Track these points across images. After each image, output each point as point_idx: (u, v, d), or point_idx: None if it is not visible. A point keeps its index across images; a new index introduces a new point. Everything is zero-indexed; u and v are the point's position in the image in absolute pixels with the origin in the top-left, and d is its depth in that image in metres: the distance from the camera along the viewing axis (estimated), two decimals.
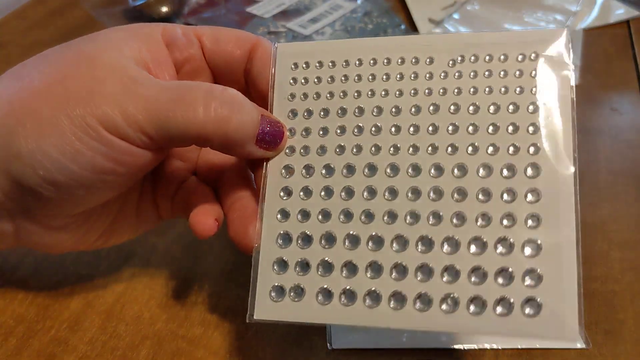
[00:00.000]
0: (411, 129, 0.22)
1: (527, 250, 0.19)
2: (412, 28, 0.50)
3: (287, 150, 0.22)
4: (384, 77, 0.23)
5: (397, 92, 0.22)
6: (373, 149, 0.22)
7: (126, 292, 0.28)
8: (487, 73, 0.22)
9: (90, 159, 0.20)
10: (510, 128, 0.21)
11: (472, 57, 0.22)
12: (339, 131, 0.22)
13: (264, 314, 0.20)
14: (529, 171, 0.20)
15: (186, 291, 0.28)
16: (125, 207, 0.26)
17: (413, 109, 0.22)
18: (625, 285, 0.28)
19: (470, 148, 0.21)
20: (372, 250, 0.20)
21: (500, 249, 0.19)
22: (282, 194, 0.22)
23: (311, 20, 0.51)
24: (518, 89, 0.21)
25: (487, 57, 0.22)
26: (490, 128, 0.21)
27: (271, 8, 0.53)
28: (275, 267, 0.21)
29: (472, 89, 0.22)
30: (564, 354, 0.25)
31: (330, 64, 0.23)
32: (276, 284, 0.21)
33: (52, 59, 0.22)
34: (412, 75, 0.22)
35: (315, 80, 0.23)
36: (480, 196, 0.20)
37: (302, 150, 0.22)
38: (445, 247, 0.20)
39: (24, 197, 0.21)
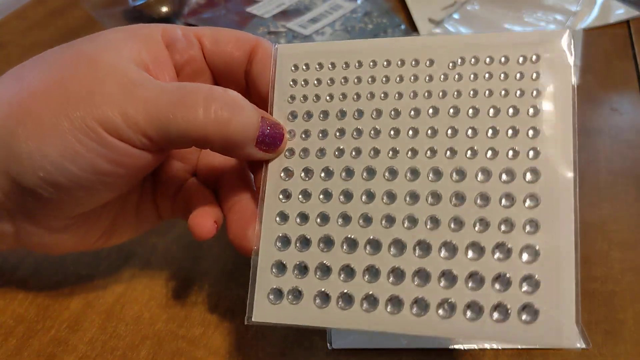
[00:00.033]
0: (410, 132, 0.22)
1: (525, 256, 0.19)
2: (412, 28, 0.50)
3: (286, 153, 0.22)
4: (384, 79, 0.22)
5: (397, 95, 0.22)
6: (372, 152, 0.22)
7: (126, 292, 0.28)
8: (487, 75, 0.22)
9: (90, 160, 0.20)
10: (510, 132, 0.21)
11: (473, 59, 0.22)
12: (338, 134, 0.22)
13: (262, 317, 0.20)
14: (528, 176, 0.20)
15: (186, 291, 0.28)
16: (125, 208, 0.26)
17: (412, 112, 0.22)
18: (625, 285, 0.28)
19: (469, 152, 0.21)
20: (370, 254, 0.20)
21: (498, 254, 0.19)
22: (281, 196, 0.22)
23: (311, 20, 0.51)
24: (518, 92, 0.21)
25: (488, 59, 0.22)
26: (490, 132, 0.21)
27: (271, 8, 0.53)
28: (273, 270, 0.21)
29: (471, 92, 0.21)
30: (564, 354, 0.25)
31: (330, 65, 0.23)
32: (274, 287, 0.21)
33: (52, 60, 0.22)
34: (412, 78, 0.22)
35: (315, 82, 0.23)
36: (479, 201, 0.20)
37: (301, 153, 0.22)
38: (443, 252, 0.20)
39: (24, 198, 0.21)
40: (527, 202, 0.19)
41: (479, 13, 0.52)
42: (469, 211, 0.20)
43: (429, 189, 0.21)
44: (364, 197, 0.21)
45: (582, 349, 0.25)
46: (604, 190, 0.34)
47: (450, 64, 0.22)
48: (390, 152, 0.21)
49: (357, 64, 0.23)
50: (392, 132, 0.22)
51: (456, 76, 0.22)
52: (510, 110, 0.21)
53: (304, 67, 0.23)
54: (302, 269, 0.21)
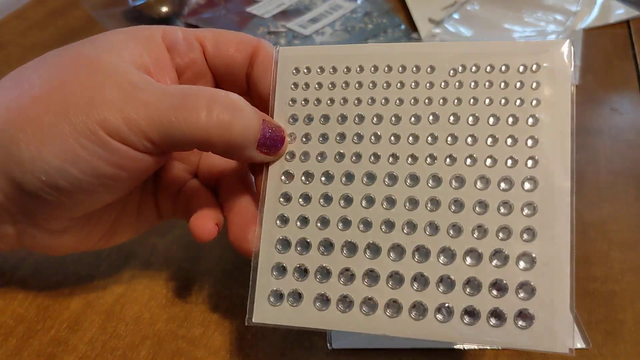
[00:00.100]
0: (410, 138, 0.22)
1: (522, 264, 0.19)
2: (412, 28, 0.50)
3: (287, 156, 0.23)
4: (385, 84, 0.23)
5: (397, 101, 0.22)
6: (372, 157, 0.22)
7: (126, 292, 0.28)
8: (487, 84, 0.22)
9: (92, 164, 0.20)
10: (509, 140, 0.21)
11: (473, 67, 0.22)
12: (338, 138, 0.22)
13: (262, 318, 0.21)
14: (526, 185, 0.20)
15: (186, 291, 0.28)
16: (126, 209, 0.26)
17: (413, 118, 0.22)
18: (625, 285, 0.28)
19: (468, 160, 0.21)
20: (370, 259, 0.21)
21: (495, 261, 0.20)
22: (281, 199, 0.22)
23: (311, 21, 0.51)
24: (518, 101, 0.21)
25: (489, 68, 0.22)
26: (489, 140, 0.21)
27: (271, 8, 0.53)
28: (274, 272, 0.21)
29: (472, 100, 0.22)
30: (563, 354, 0.25)
31: (331, 69, 0.23)
32: (275, 289, 0.21)
33: (52, 62, 0.21)
34: (413, 84, 0.22)
35: (316, 85, 0.23)
36: (477, 208, 0.20)
37: (302, 156, 0.22)
38: (442, 257, 0.20)
39: (26, 200, 0.21)
40: (525, 211, 0.20)
41: (479, 13, 0.52)
42: (468, 218, 0.20)
43: (429, 195, 0.21)
44: (364, 202, 0.21)
45: (582, 349, 0.25)
46: (604, 190, 0.34)
47: (451, 71, 0.22)
48: (391, 158, 0.22)
49: (358, 69, 0.23)
50: (392, 138, 0.22)
51: (457, 84, 0.22)
52: (510, 119, 0.21)
53: (305, 70, 0.23)
54: (302, 272, 0.21)
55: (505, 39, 0.49)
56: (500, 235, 0.20)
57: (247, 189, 0.25)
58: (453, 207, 0.20)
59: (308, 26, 0.51)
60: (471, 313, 0.19)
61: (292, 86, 0.23)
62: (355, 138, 0.22)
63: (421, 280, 0.20)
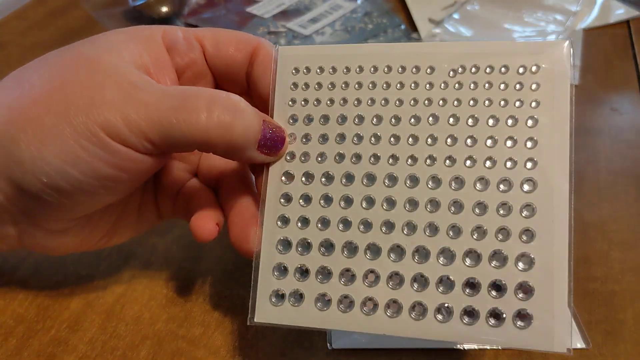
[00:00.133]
0: (410, 139, 0.22)
1: (520, 264, 0.20)
2: (412, 28, 0.50)
3: (287, 157, 0.23)
4: (384, 85, 0.23)
5: (397, 102, 0.22)
6: (372, 158, 0.22)
7: (126, 292, 0.28)
8: (487, 85, 0.22)
9: (92, 165, 0.20)
10: (509, 142, 0.21)
11: (473, 68, 0.22)
12: (338, 139, 0.22)
13: (264, 317, 0.21)
14: (525, 186, 0.20)
15: (186, 291, 0.28)
16: (127, 209, 0.26)
17: (412, 120, 0.22)
18: (625, 285, 0.28)
19: (468, 161, 0.21)
20: (370, 259, 0.21)
21: (494, 262, 0.20)
22: (282, 200, 0.22)
23: (311, 20, 0.51)
24: (518, 103, 0.21)
25: (488, 69, 0.22)
26: (489, 141, 0.21)
27: (271, 8, 0.53)
28: (275, 273, 0.21)
29: (471, 101, 0.22)
30: (563, 354, 0.25)
31: (331, 70, 0.23)
32: (276, 289, 0.21)
33: (52, 62, 0.21)
34: (412, 85, 0.22)
35: (316, 86, 0.23)
36: (477, 209, 0.20)
37: (302, 157, 0.22)
38: (441, 258, 0.20)
39: (26, 201, 0.21)
40: (524, 212, 0.20)
41: (479, 13, 0.52)
42: (467, 219, 0.20)
43: (428, 196, 0.21)
44: (364, 203, 0.21)
45: (582, 349, 0.25)
46: (604, 190, 0.34)
47: (451, 72, 0.22)
48: (390, 159, 0.22)
49: (358, 69, 0.23)
50: (392, 139, 0.22)
51: (456, 84, 0.22)
52: (510, 121, 0.21)
53: (305, 70, 0.23)
54: (303, 272, 0.21)
55: (505, 39, 0.49)
56: (500, 236, 0.20)
57: (247, 189, 0.25)
58: (452, 209, 0.21)
59: (308, 26, 0.51)
60: (470, 313, 0.20)
61: (292, 86, 0.23)
62: (355, 139, 0.22)
63: (421, 280, 0.20)
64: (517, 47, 0.22)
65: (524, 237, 0.20)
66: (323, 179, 0.22)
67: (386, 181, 0.21)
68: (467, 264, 0.20)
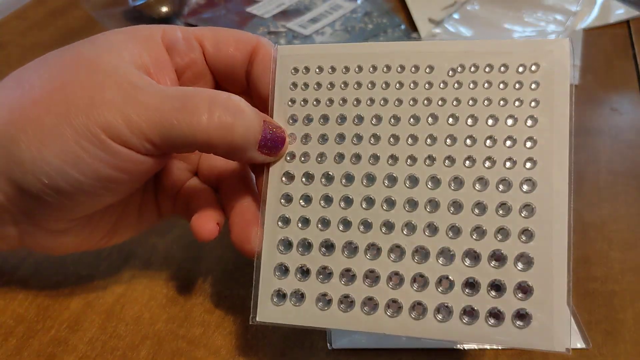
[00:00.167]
0: (409, 139, 0.22)
1: (520, 264, 0.20)
2: (412, 28, 0.50)
3: (287, 157, 0.23)
4: (383, 85, 0.22)
5: (396, 101, 0.22)
6: (371, 159, 0.22)
7: (126, 292, 0.28)
8: (486, 84, 0.22)
9: (93, 167, 0.20)
10: (508, 142, 0.21)
11: (472, 67, 0.22)
12: (338, 139, 0.22)
13: (265, 317, 0.21)
14: (525, 186, 0.20)
15: (186, 291, 0.28)
16: (127, 209, 0.26)
17: (412, 119, 0.22)
18: (625, 285, 0.28)
19: (467, 161, 0.21)
20: (370, 259, 0.21)
21: (493, 262, 0.20)
22: (282, 200, 0.22)
23: (311, 20, 0.51)
24: (517, 102, 0.21)
25: (487, 68, 0.22)
26: (488, 141, 0.21)
27: (271, 8, 0.53)
28: (276, 273, 0.21)
29: (470, 101, 0.22)
30: (564, 354, 0.25)
31: (330, 69, 0.23)
32: (277, 289, 0.21)
33: (52, 63, 0.21)
34: (411, 84, 0.22)
35: (315, 86, 0.23)
36: (476, 210, 0.20)
37: (302, 157, 0.22)
38: (441, 258, 0.20)
39: (27, 202, 0.21)
40: (523, 212, 0.20)
41: (479, 13, 0.52)
42: (467, 219, 0.20)
43: (428, 196, 0.21)
44: (364, 204, 0.21)
45: (582, 349, 0.25)
46: (604, 190, 0.34)
47: (450, 71, 0.22)
48: (390, 159, 0.22)
49: (357, 69, 0.23)
50: (391, 139, 0.22)
51: (455, 84, 0.22)
52: (509, 121, 0.21)
53: (304, 70, 0.23)
54: (304, 272, 0.21)
55: (505, 38, 0.49)
56: (499, 236, 0.20)
57: (248, 189, 0.25)
58: (452, 209, 0.21)
59: (308, 26, 0.51)
60: (470, 313, 0.20)
61: (291, 86, 0.23)
62: (354, 139, 0.22)
63: (421, 280, 0.20)
64: (516, 46, 0.22)
65: (523, 237, 0.20)
66: (323, 180, 0.22)
67: (386, 181, 0.21)
68: (466, 264, 0.20)
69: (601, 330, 0.26)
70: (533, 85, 0.21)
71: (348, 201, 0.22)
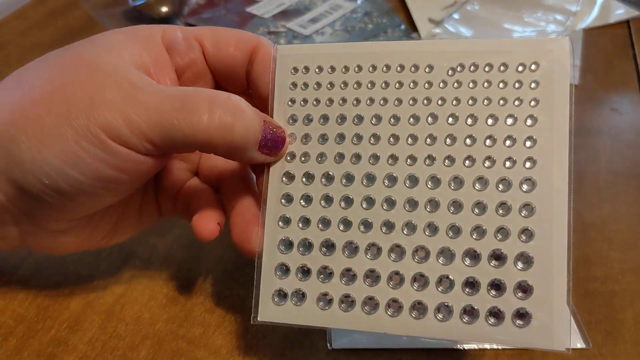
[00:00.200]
0: (409, 139, 0.22)
1: (520, 264, 0.20)
2: (412, 28, 0.50)
3: (287, 157, 0.23)
4: (383, 84, 0.22)
5: (396, 101, 0.22)
6: (371, 158, 0.22)
7: (126, 292, 0.28)
8: (486, 84, 0.21)
9: (94, 167, 0.20)
10: (508, 142, 0.21)
11: (472, 67, 0.22)
12: (338, 139, 0.22)
13: (267, 317, 0.21)
14: (524, 186, 0.20)
15: (186, 291, 0.28)
16: (128, 209, 0.26)
17: (411, 119, 0.22)
18: (625, 285, 0.28)
19: (467, 161, 0.21)
20: (370, 259, 0.21)
21: (493, 261, 0.20)
22: (283, 200, 0.22)
23: (311, 20, 0.51)
24: (517, 101, 0.21)
25: (487, 67, 0.22)
26: (488, 141, 0.21)
27: (271, 8, 0.53)
28: (277, 272, 0.22)
29: (470, 100, 0.22)
30: (563, 354, 0.25)
31: (329, 69, 0.23)
32: (278, 288, 0.21)
33: (52, 63, 0.21)
34: (411, 84, 0.22)
35: (315, 86, 0.23)
36: (476, 209, 0.20)
37: (302, 157, 0.22)
38: (441, 258, 0.20)
39: (28, 202, 0.21)
40: (523, 212, 0.20)
41: (479, 13, 0.52)
42: (467, 219, 0.20)
43: (428, 196, 0.21)
44: (364, 204, 0.21)
45: (582, 349, 0.25)
46: (604, 190, 0.34)
47: (450, 71, 0.22)
48: (390, 159, 0.22)
49: (356, 68, 0.23)
50: (391, 139, 0.22)
51: (455, 83, 0.22)
52: (509, 120, 0.21)
53: (304, 70, 0.23)
54: (305, 272, 0.21)
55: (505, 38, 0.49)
56: (499, 235, 0.20)
57: (248, 189, 0.25)
58: (452, 208, 0.21)
59: (308, 26, 0.51)
60: (470, 312, 0.20)
61: (291, 86, 0.23)
62: (354, 139, 0.22)
63: (421, 280, 0.20)
64: (516, 45, 0.22)
65: (523, 237, 0.20)
66: (323, 180, 0.22)
67: (386, 181, 0.21)
68: (466, 263, 0.20)
69: (601, 330, 0.26)
70: (533, 85, 0.21)
71: (348, 201, 0.22)
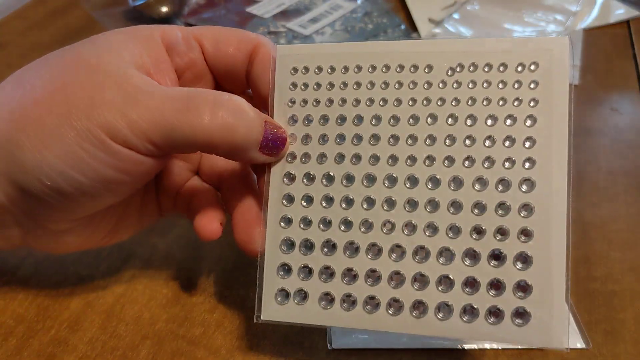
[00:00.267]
0: (409, 140, 0.22)
1: (519, 264, 0.20)
2: (412, 28, 0.50)
3: (288, 158, 0.23)
4: (383, 85, 0.22)
5: (396, 102, 0.22)
6: (372, 159, 0.22)
7: (126, 292, 0.28)
8: (485, 84, 0.21)
9: (95, 168, 0.20)
10: (507, 142, 0.21)
11: (471, 67, 0.22)
12: (338, 139, 0.22)
13: (270, 316, 0.21)
14: (524, 187, 0.20)
15: (186, 291, 0.28)
16: (128, 208, 0.26)
17: (411, 120, 0.22)
18: (625, 285, 0.28)
19: (466, 162, 0.21)
20: (371, 259, 0.21)
21: (493, 261, 0.20)
22: (284, 201, 0.22)
23: (311, 20, 0.52)
24: (516, 102, 0.21)
25: (486, 67, 0.22)
26: (487, 142, 0.21)
27: (271, 8, 0.53)
28: (280, 272, 0.22)
29: (470, 100, 0.22)
30: (563, 354, 0.25)
31: (329, 69, 0.23)
32: (281, 288, 0.22)
33: (53, 64, 0.21)
34: (411, 84, 0.22)
35: (315, 86, 0.23)
36: (475, 210, 0.21)
37: (303, 158, 0.23)
38: (441, 258, 0.20)
39: (29, 203, 0.21)
40: (522, 212, 0.20)
41: (479, 13, 0.52)
42: (466, 219, 0.21)
43: (427, 197, 0.21)
44: (364, 204, 0.22)
45: (582, 349, 0.25)
46: (604, 190, 0.34)
47: (449, 71, 0.22)
48: (390, 160, 0.22)
49: (356, 69, 0.23)
50: (391, 140, 0.22)
51: (454, 84, 0.22)
52: (508, 120, 0.21)
53: (303, 70, 0.23)
54: (307, 272, 0.22)
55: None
56: (498, 236, 0.20)
57: (249, 189, 0.25)
58: (452, 209, 0.21)
59: (308, 26, 0.51)
60: (470, 311, 0.20)
61: (291, 86, 0.23)
62: (354, 139, 0.22)
63: (421, 279, 0.20)
64: (515, 44, 0.22)
65: (523, 237, 0.20)
66: (324, 180, 0.22)
67: (386, 182, 0.21)
68: (466, 263, 0.20)
69: (601, 330, 0.26)
70: (532, 85, 0.21)
71: (349, 201, 0.22)
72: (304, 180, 0.22)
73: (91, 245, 0.25)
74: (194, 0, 0.55)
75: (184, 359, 0.25)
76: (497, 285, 0.20)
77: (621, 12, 0.51)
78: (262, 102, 0.24)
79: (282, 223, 0.22)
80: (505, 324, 0.19)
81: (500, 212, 0.20)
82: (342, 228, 0.21)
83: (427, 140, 0.21)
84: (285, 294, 0.21)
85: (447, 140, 0.21)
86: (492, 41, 0.22)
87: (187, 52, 0.24)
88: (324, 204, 0.22)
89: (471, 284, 0.20)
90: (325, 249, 0.21)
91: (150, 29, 0.23)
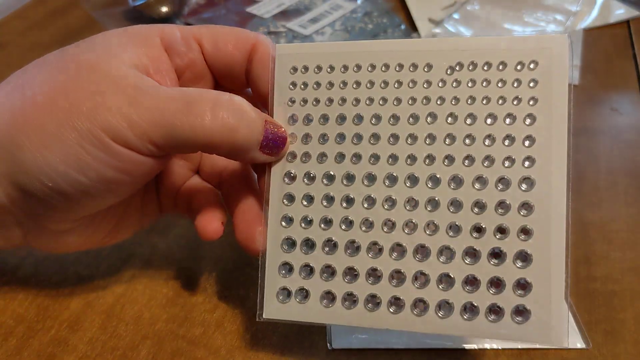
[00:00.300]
0: (409, 139, 0.22)
1: (519, 262, 0.20)
2: (412, 28, 0.50)
3: (288, 157, 0.23)
4: (382, 84, 0.22)
5: (395, 101, 0.22)
6: (372, 158, 0.22)
7: (126, 292, 0.28)
8: (485, 83, 0.21)
9: (97, 169, 0.20)
10: (507, 141, 0.21)
11: (471, 66, 0.22)
12: (338, 139, 0.22)
13: (272, 314, 0.22)
14: (523, 185, 0.20)
15: (186, 291, 0.28)
16: (129, 208, 0.26)
17: (411, 119, 0.22)
18: (625, 285, 0.28)
19: (466, 160, 0.21)
20: (372, 258, 0.21)
21: (493, 259, 0.20)
22: (285, 200, 0.22)
23: (311, 20, 0.52)
24: (516, 100, 0.21)
25: (486, 66, 0.22)
26: (487, 140, 0.21)
27: (271, 8, 0.53)
28: (281, 271, 0.22)
29: (469, 99, 0.22)
30: (563, 354, 0.25)
31: (328, 68, 0.23)
32: (283, 286, 0.22)
33: (53, 65, 0.21)
34: (410, 83, 0.22)
35: (315, 85, 0.23)
36: (475, 208, 0.21)
37: (303, 157, 0.23)
38: (441, 256, 0.21)
39: (31, 204, 0.21)
40: (522, 211, 0.20)
41: (479, 13, 0.52)
42: (466, 218, 0.21)
43: (428, 195, 0.21)
44: (365, 203, 0.22)
45: (582, 349, 0.25)
46: (604, 190, 0.34)
47: (449, 70, 0.22)
48: (390, 159, 0.22)
49: (355, 68, 0.23)
50: (391, 139, 0.22)
51: (454, 82, 0.22)
52: (508, 119, 0.21)
53: (303, 69, 0.23)
54: (308, 271, 0.22)
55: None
56: (498, 234, 0.20)
57: (250, 188, 0.25)
58: (452, 208, 0.21)
59: (308, 26, 0.51)
60: (470, 309, 0.20)
61: (291, 85, 0.23)
62: (354, 139, 0.22)
63: (422, 278, 0.21)
64: (514, 43, 0.22)
65: (522, 235, 0.20)
66: (324, 179, 0.22)
67: (386, 181, 0.22)
68: (466, 261, 0.20)
69: (601, 330, 0.26)
70: (531, 84, 0.21)
71: (349, 201, 0.22)
72: (305, 179, 0.22)
73: (92, 245, 0.25)
74: (194, 0, 0.55)
75: (184, 359, 0.25)
76: (497, 283, 0.20)
77: (621, 12, 0.51)
78: (261, 101, 0.24)
79: (283, 222, 0.22)
80: (505, 321, 0.20)
81: (500, 210, 0.20)
82: (343, 227, 0.22)
83: (427, 139, 0.22)
84: (286, 292, 0.22)
85: (447, 139, 0.21)
86: (491, 40, 0.22)
87: (186, 52, 0.24)
88: (325, 203, 0.22)
89: (471, 282, 0.20)
90: (326, 248, 0.22)
91: (149, 28, 0.23)
